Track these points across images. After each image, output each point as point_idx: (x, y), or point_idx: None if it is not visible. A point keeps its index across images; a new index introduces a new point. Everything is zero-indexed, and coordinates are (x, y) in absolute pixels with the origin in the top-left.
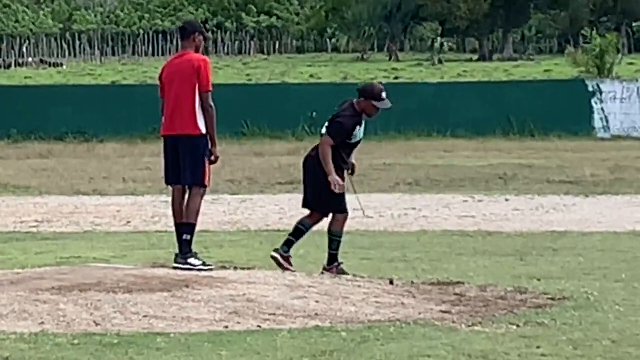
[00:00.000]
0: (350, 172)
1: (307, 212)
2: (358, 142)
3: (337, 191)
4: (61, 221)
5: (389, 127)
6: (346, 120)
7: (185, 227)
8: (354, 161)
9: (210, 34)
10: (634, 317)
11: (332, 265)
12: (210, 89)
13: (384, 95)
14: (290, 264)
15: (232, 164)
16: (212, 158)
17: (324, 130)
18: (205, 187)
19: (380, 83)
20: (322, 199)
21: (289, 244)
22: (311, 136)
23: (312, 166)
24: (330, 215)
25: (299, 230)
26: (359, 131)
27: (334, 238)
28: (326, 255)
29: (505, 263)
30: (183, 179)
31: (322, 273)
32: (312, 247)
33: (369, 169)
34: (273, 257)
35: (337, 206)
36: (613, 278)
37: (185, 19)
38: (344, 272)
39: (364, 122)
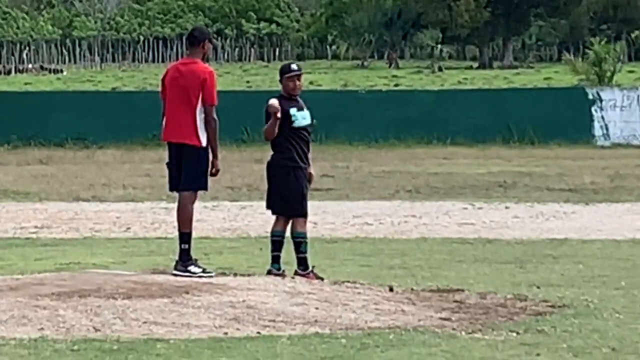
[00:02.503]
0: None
1: (273, 218)
2: (305, 130)
3: (270, 110)
4: (61, 227)
5: (389, 134)
6: (269, 101)
7: (181, 236)
8: (311, 170)
9: (217, 42)
10: (634, 324)
11: (307, 270)
12: (215, 102)
13: (292, 66)
14: (285, 275)
15: (232, 171)
16: (213, 170)
17: None
18: (196, 193)
19: (379, 88)
20: (285, 202)
21: (276, 259)
22: (311, 143)
23: (272, 171)
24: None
25: (278, 242)
26: (297, 114)
27: (301, 240)
28: (334, 262)
29: (505, 270)
30: (178, 183)
31: (294, 277)
32: (311, 254)
33: (369, 176)
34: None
35: (298, 209)
36: (613, 285)
37: (194, 26)
38: (320, 277)
39: (306, 113)
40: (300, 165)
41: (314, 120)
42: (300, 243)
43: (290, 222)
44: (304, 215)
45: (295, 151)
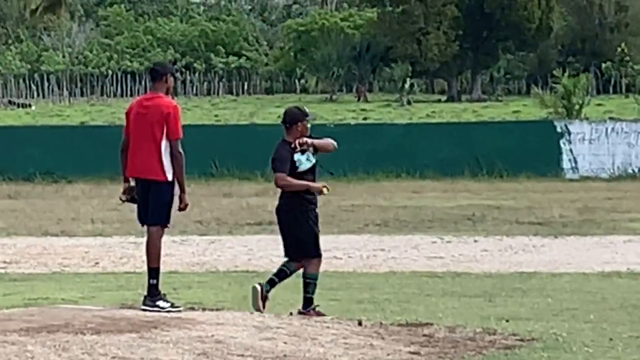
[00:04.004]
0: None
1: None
2: (309, 171)
3: (324, 191)
4: (29, 262)
5: (357, 168)
6: (279, 152)
7: (150, 271)
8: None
9: (179, 75)
10: (602, 358)
11: (309, 308)
12: (180, 136)
13: (307, 110)
14: (264, 305)
15: (201, 205)
16: (181, 205)
17: None
18: (164, 227)
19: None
20: (298, 245)
21: (271, 282)
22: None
23: (282, 215)
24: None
25: (283, 272)
26: (301, 158)
27: (311, 281)
28: (299, 297)
29: (474, 304)
30: (146, 218)
31: (291, 313)
32: (280, 289)
33: (338, 210)
34: (254, 288)
35: (311, 250)
36: (582, 319)
37: (156, 60)
38: (322, 314)
39: (309, 154)
40: (308, 207)
41: (317, 163)
42: (309, 284)
43: (306, 262)
44: (318, 256)
45: (302, 195)
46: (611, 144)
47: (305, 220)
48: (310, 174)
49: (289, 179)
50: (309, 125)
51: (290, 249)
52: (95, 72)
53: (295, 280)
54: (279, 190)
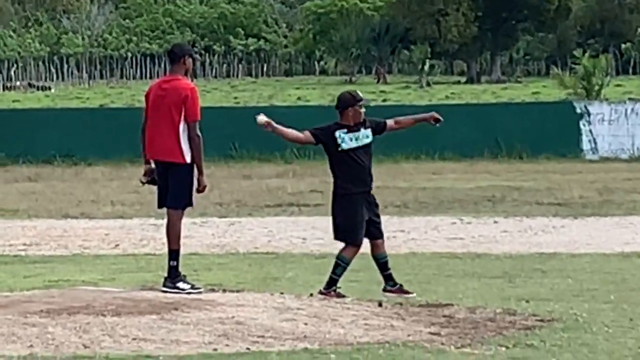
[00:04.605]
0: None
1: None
2: (355, 152)
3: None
4: (49, 244)
5: (377, 150)
6: (325, 125)
7: (170, 253)
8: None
9: (198, 57)
10: (623, 338)
11: (330, 289)
12: (198, 118)
13: (360, 95)
14: (402, 292)
15: (221, 187)
16: (199, 187)
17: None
18: (183, 209)
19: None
20: (338, 228)
21: (387, 278)
22: (299, 159)
23: (332, 197)
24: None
25: (377, 263)
26: (345, 137)
27: (341, 263)
28: (320, 278)
29: (494, 285)
30: (166, 200)
31: (311, 295)
32: (300, 270)
33: None
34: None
35: (348, 236)
36: (602, 299)
37: (174, 42)
38: (342, 296)
39: (359, 134)
40: (353, 190)
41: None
42: (339, 265)
43: (344, 245)
44: (352, 243)
45: (344, 176)
46: (631, 124)
47: (346, 205)
48: (360, 154)
49: (294, 130)
50: (362, 110)
51: (335, 232)
52: (115, 55)
53: (317, 262)
54: (300, 173)
